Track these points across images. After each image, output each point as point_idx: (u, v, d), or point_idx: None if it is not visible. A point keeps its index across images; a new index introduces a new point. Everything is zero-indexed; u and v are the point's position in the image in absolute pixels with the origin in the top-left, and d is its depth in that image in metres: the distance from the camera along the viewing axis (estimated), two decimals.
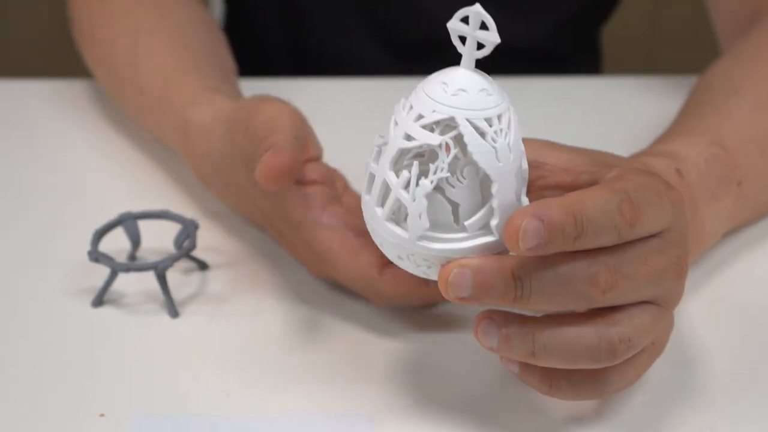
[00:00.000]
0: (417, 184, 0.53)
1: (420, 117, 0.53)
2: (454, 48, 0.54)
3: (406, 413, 0.60)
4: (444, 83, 0.53)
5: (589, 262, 0.54)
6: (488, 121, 0.53)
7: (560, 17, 1.04)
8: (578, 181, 0.60)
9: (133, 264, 0.68)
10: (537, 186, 0.61)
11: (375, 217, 0.55)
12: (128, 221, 0.72)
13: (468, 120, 0.53)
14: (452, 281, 0.54)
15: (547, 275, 0.53)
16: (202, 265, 0.72)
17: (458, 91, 0.53)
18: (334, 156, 0.71)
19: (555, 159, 0.61)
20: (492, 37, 0.53)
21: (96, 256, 0.68)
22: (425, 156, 0.56)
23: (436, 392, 0.62)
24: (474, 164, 0.54)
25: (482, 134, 0.53)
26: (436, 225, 0.54)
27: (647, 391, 0.61)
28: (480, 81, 0.53)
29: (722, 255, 0.73)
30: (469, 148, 0.53)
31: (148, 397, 0.61)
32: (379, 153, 0.55)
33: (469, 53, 0.53)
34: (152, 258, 0.71)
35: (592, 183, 0.59)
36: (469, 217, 0.54)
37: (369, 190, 0.56)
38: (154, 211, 0.73)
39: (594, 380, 0.56)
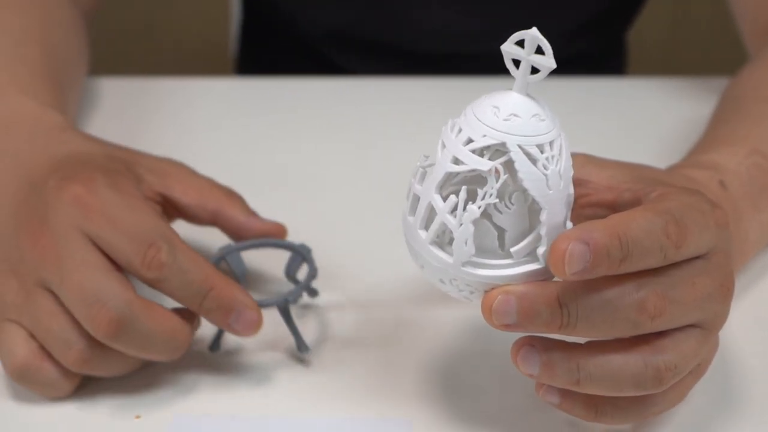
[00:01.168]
0: (464, 209, 0.52)
1: (470, 141, 0.52)
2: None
3: (442, 418, 0.60)
4: (496, 107, 0.52)
5: (636, 287, 0.53)
6: (540, 147, 0.52)
7: (583, 18, 1.03)
8: (621, 199, 0.59)
9: (262, 300, 0.61)
10: (579, 204, 0.60)
11: (418, 240, 0.54)
12: (232, 254, 0.66)
13: (519, 146, 0.52)
14: (496, 309, 0.53)
15: (593, 301, 0.52)
16: (313, 293, 0.68)
17: (510, 116, 0.52)
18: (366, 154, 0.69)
19: (598, 176, 0.60)
20: (548, 63, 0.51)
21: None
22: (471, 179, 0.55)
23: (470, 400, 0.61)
24: (523, 190, 0.52)
25: (533, 161, 0.52)
26: (481, 250, 0.53)
27: (686, 402, 0.60)
28: (533, 106, 0.52)
29: (762, 262, 0.72)
30: (520, 175, 0.52)
31: None
32: (424, 174, 0.54)
33: (522, 77, 0.52)
34: (253, 291, 0.67)
35: (634, 201, 0.58)
36: (515, 244, 0.53)
37: (412, 211, 0.54)
38: (256, 240, 0.67)
39: (639, 403, 0.56)
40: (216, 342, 0.63)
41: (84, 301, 0.57)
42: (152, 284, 0.59)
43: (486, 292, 0.53)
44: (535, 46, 0.51)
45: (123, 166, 0.64)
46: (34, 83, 0.72)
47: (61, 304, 0.58)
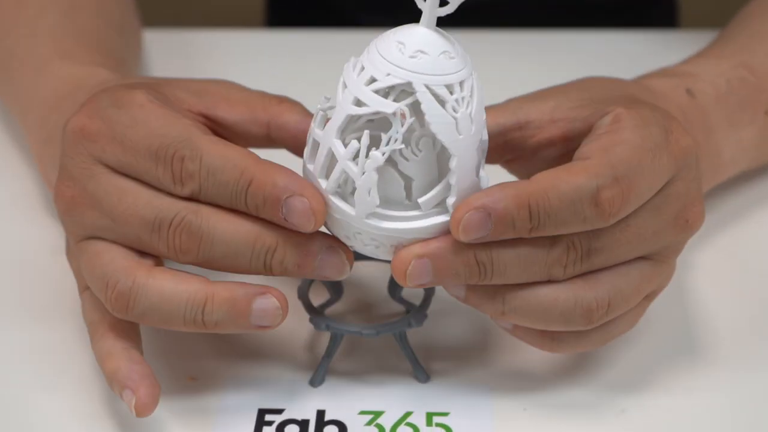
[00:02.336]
0: (367, 156, 0.48)
1: (373, 80, 0.48)
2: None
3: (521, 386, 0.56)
4: (401, 43, 0.48)
5: (552, 241, 0.49)
6: (449, 88, 0.47)
7: None
8: (572, 131, 0.54)
9: (383, 325, 0.54)
10: (530, 147, 0.56)
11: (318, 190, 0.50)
12: None
13: (427, 86, 0.47)
14: (411, 273, 0.49)
15: (508, 257, 0.49)
16: (410, 306, 0.59)
17: (417, 53, 0.47)
18: None
19: (538, 112, 0.55)
20: None
21: (324, 322, 0.54)
22: (375, 123, 0.50)
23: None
24: (431, 135, 0.48)
25: (442, 102, 0.47)
26: (386, 201, 0.49)
27: (648, 342, 0.58)
28: (441, 42, 0.48)
29: (734, 205, 0.68)
30: (427, 118, 0.47)
31: None
32: (324, 118, 0.50)
33: (430, 10, 0.48)
34: (355, 314, 0.60)
35: (586, 130, 0.53)
36: (423, 194, 0.49)
37: (311, 158, 0.50)
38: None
39: (595, 329, 0.52)
40: (318, 375, 0.55)
41: (150, 230, 0.50)
42: (195, 199, 0.50)
43: (396, 248, 0.49)
44: None
45: (143, 86, 0.55)
46: (78, 49, 0.67)
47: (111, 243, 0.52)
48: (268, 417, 0.54)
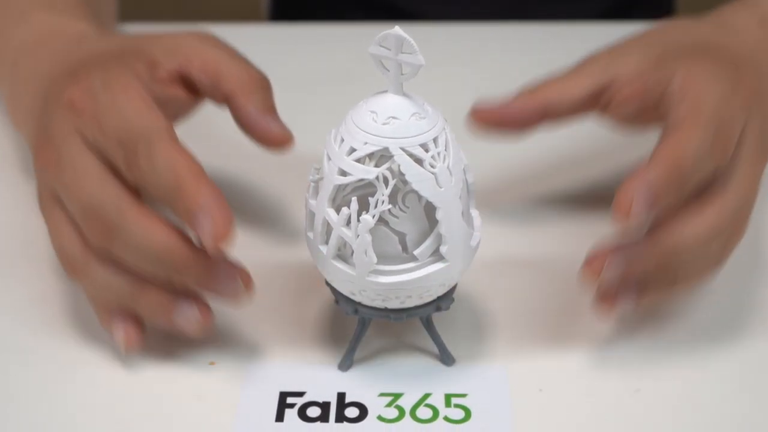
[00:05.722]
0: (358, 220, 0.51)
1: (352, 150, 0.51)
2: None
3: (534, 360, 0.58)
4: (373, 112, 0.51)
5: (711, 233, 0.55)
6: (424, 146, 0.50)
7: None
8: (647, 89, 0.59)
9: (411, 309, 0.54)
10: (617, 102, 0.61)
11: (320, 256, 0.53)
12: None
13: (403, 149, 0.50)
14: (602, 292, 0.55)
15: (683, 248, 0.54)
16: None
17: (389, 119, 0.50)
18: None
19: (625, 67, 0.61)
20: (416, 60, 0.49)
21: (353, 306, 0.54)
22: (363, 187, 0.53)
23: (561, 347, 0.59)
24: (415, 191, 0.51)
25: (419, 161, 0.50)
26: (384, 257, 0.52)
27: (661, 323, 0.60)
28: (410, 105, 0.51)
29: None
30: (408, 178, 0.50)
31: None
32: (316, 188, 0.53)
33: (395, 78, 0.50)
34: None
35: (658, 89, 0.58)
36: (417, 245, 0.52)
37: (310, 227, 0.54)
38: None
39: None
40: (347, 359, 0.56)
41: (82, 211, 0.54)
42: (141, 190, 0.54)
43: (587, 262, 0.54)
44: (401, 45, 0.50)
45: (133, 56, 0.59)
46: (60, 1, 0.70)
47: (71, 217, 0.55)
48: (290, 399, 0.55)
